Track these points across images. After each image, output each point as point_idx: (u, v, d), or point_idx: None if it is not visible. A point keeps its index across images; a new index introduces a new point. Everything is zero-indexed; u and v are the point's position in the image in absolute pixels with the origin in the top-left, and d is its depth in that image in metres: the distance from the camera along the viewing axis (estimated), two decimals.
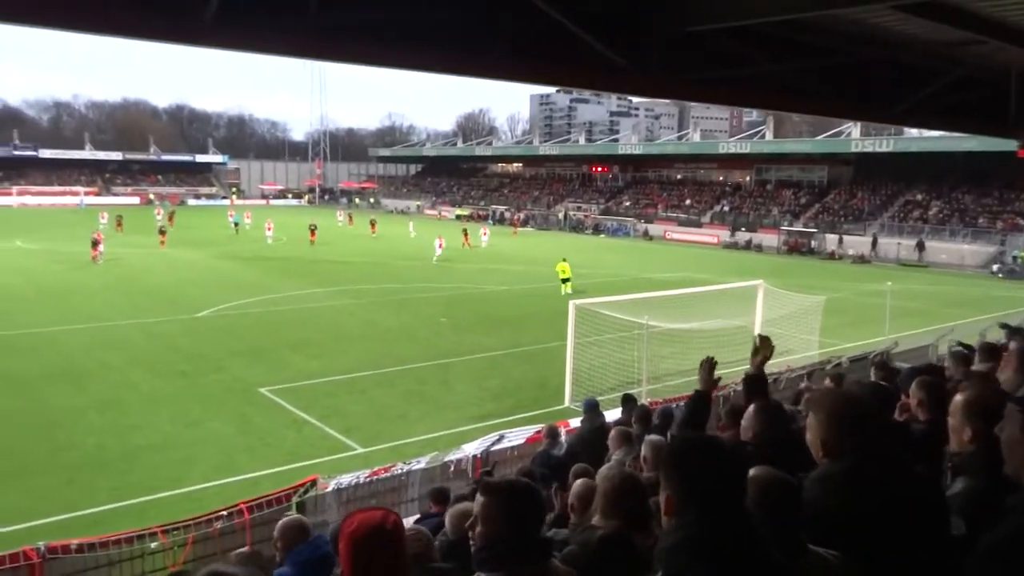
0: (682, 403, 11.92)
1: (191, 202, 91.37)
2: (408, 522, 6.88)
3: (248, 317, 24.95)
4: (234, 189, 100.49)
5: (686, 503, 2.17)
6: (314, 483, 9.06)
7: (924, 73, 8.91)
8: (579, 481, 4.91)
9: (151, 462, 12.63)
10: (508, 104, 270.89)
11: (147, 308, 25.77)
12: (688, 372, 17.14)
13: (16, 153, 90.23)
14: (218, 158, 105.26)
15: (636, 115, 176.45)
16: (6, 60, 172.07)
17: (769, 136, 64.52)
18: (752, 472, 2.63)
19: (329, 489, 9.09)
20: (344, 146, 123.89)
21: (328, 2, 5.32)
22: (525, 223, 68.58)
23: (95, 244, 37.51)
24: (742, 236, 57.07)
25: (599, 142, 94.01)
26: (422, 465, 9.92)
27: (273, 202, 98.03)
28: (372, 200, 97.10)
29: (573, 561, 3.12)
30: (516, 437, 11.01)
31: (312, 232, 49.68)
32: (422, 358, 19.70)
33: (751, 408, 4.85)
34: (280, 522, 5.04)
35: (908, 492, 2.65)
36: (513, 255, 45.54)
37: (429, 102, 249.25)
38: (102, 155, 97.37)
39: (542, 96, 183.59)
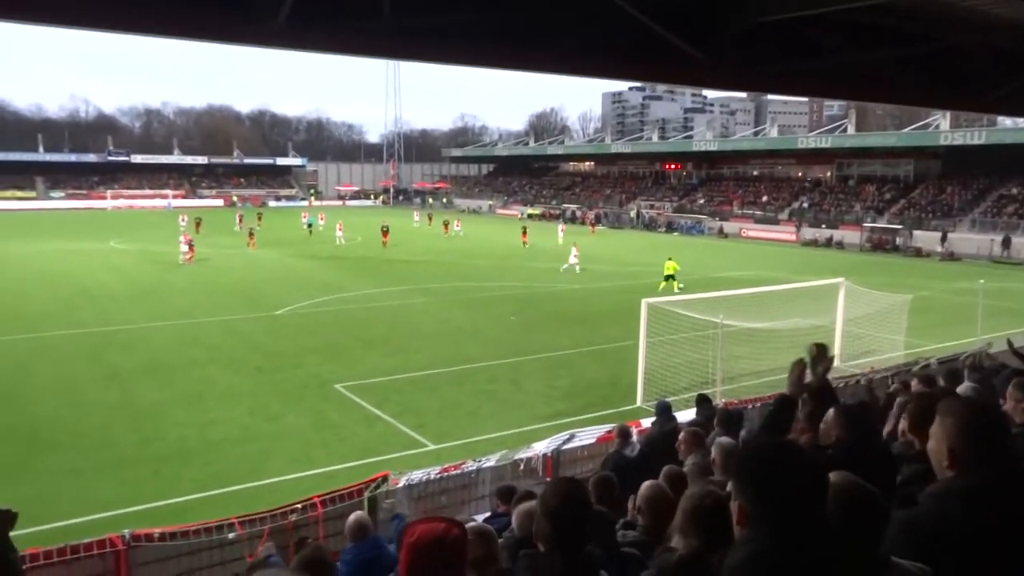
0: (757, 405, 11.61)
1: (271, 203, 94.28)
2: (478, 519, 6.89)
3: (324, 315, 25.54)
4: (312, 191, 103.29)
5: (759, 514, 2.04)
6: (385, 479, 9.16)
7: (1020, 58, 8.38)
8: (647, 484, 4.79)
9: (231, 454, 13.05)
10: (580, 103, 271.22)
11: (228, 306, 26.69)
12: (763, 373, 16.71)
13: (110, 159, 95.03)
14: (297, 161, 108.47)
15: (711, 111, 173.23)
16: (102, 71, 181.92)
17: (851, 130, 62.25)
18: (831, 478, 2.49)
19: (400, 485, 9.17)
20: (418, 147, 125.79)
21: (401, 5, 5.36)
22: (597, 221, 68.05)
23: (190, 246, 39.16)
24: (822, 233, 55.25)
25: (672, 139, 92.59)
26: (492, 463, 9.92)
27: (349, 203, 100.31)
28: (445, 200, 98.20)
29: None
30: (586, 436, 10.88)
31: (384, 233, 49.05)
32: (493, 356, 19.76)
33: (832, 411, 4.63)
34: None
35: None
36: (585, 255, 45.28)
37: (501, 102, 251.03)
38: (189, 159, 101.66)
39: (614, 94, 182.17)
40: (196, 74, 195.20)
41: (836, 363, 18.37)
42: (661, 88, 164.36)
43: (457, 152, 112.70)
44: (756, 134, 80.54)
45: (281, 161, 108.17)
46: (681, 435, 7.09)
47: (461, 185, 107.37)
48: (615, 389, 16.79)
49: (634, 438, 8.98)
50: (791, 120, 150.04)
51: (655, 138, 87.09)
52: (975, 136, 51.33)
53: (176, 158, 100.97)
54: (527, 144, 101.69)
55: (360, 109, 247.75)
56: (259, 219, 58.42)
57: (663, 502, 4.58)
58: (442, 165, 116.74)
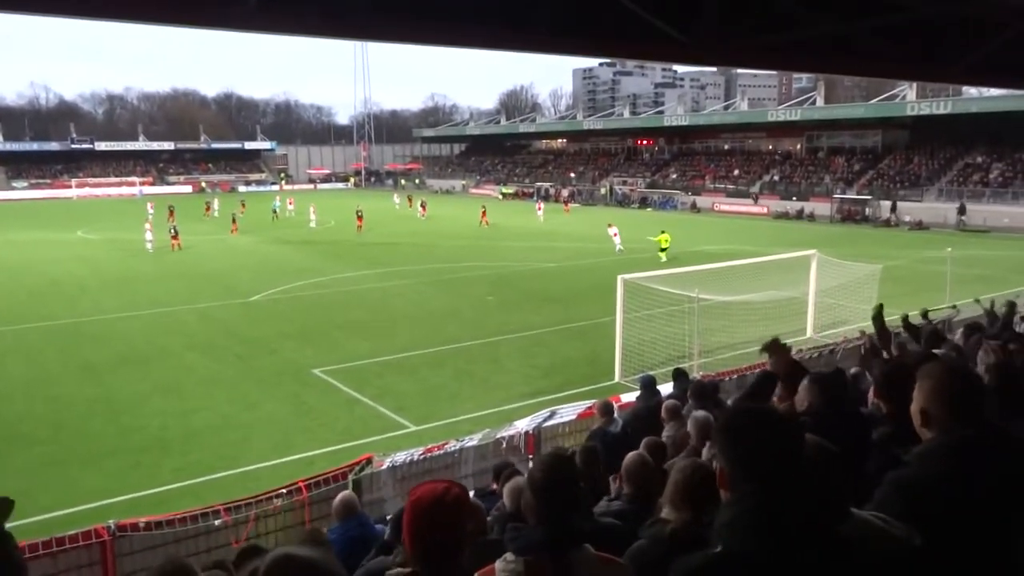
0: (734, 377, 11.80)
1: (241, 188, 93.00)
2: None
3: (299, 300, 25.40)
4: (282, 175, 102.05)
5: (742, 476, 2.12)
6: (369, 461, 9.20)
7: (987, 28, 8.49)
8: (630, 455, 4.88)
9: (211, 443, 13.00)
10: (551, 80, 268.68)
11: (202, 293, 26.42)
12: (739, 345, 16.96)
13: (74, 146, 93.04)
14: (266, 145, 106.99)
15: (681, 86, 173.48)
16: (61, 57, 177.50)
17: (820, 102, 62.72)
18: None
19: (384, 467, 9.22)
20: (388, 128, 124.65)
21: None
22: (571, 199, 68.10)
23: (175, 234, 38.74)
24: (793, 206, 55.80)
25: (644, 115, 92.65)
26: (475, 442, 10.00)
27: (321, 186, 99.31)
28: (417, 181, 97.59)
29: (642, 556, 3.13)
30: (567, 413, 11.00)
31: (359, 218, 47.75)
32: (471, 337, 19.81)
33: (806, 379, 4.77)
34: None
35: (1016, 472, 2.50)
36: (560, 232, 45.36)
37: (471, 81, 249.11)
38: (155, 145, 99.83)
39: (585, 70, 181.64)
40: (159, 58, 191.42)
41: (809, 333, 18.73)
42: (631, 64, 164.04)
43: (428, 132, 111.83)
44: (727, 108, 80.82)
45: (249, 145, 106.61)
46: (665, 405, 7.23)
47: (433, 165, 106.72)
48: (594, 366, 16.93)
49: (616, 414, 9.09)
50: (761, 93, 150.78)
51: (627, 114, 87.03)
52: (941, 106, 51.96)
53: (142, 144, 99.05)
54: (499, 123, 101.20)
55: (329, 90, 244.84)
56: (242, 206, 57.11)
57: (645, 469, 4.70)
58: (414, 146, 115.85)
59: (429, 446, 10.02)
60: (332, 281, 28.84)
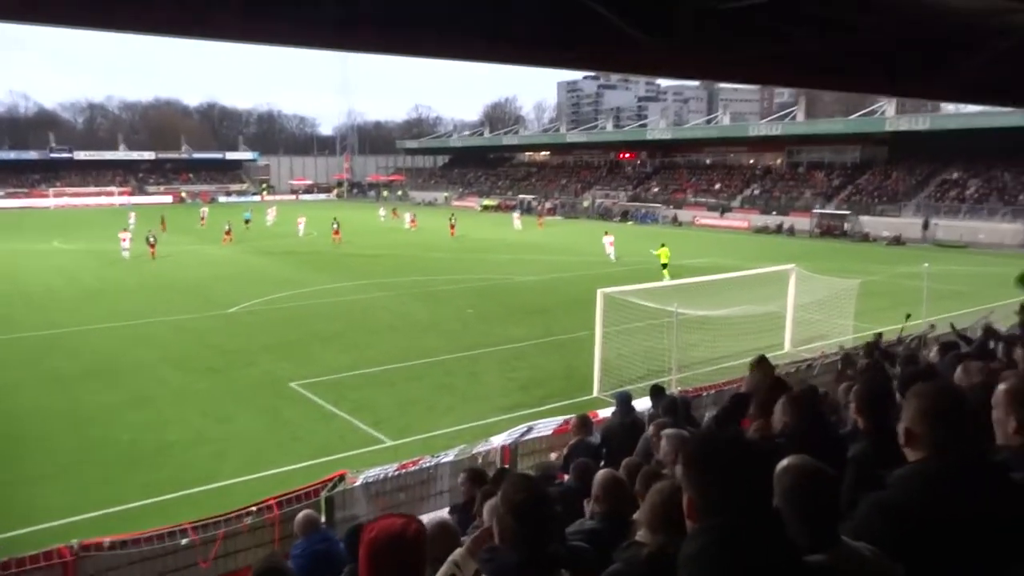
0: (711, 392, 11.76)
1: (222, 199, 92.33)
2: (442, 514, 6.81)
3: (278, 312, 25.15)
4: (264, 185, 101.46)
5: (708, 507, 2.04)
6: (342, 478, 9.04)
7: (963, 46, 8.55)
8: (601, 472, 4.79)
9: (183, 458, 12.76)
10: (534, 92, 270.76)
11: (179, 305, 26.09)
12: (718, 360, 16.97)
13: (52, 155, 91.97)
14: (248, 155, 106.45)
15: (664, 100, 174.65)
16: (40, 64, 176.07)
17: (801, 117, 63.40)
18: (786, 461, 2.52)
19: (357, 484, 9.07)
20: (372, 139, 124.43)
21: None
22: (552, 212, 68.25)
23: (152, 244, 38.59)
24: (773, 220, 56.23)
25: (627, 128, 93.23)
26: (450, 458, 9.87)
27: (303, 197, 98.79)
28: (400, 193, 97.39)
29: None
30: (544, 428, 10.92)
31: (336, 231, 46.84)
32: (450, 350, 19.68)
33: (782, 398, 4.69)
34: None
35: (998, 500, 2.42)
36: (542, 244, 45.39)
37: (455, 93, 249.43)
38: (135, 155, 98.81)
39: (569, 83, 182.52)
40: (141, 67, 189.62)
41: (787, 347, 18.76)
42: (615, 77, 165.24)
43: (412, 144, 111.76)
44: (709, 122, 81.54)
45: (231, 155, 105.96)
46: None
47: (416, 177, 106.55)
48: (572, 380, 16.85)
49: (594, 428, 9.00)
50: (742, 107, 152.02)
51: (610, 127, 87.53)
52: (919, 122, 52.69)
53: (122, 154, 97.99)
54: (482, 135, 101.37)
55: (312, 101, 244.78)
56: (247, 223, 56.31)
57: (618, 488, 4.60)
58: (397, 157, 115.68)
59: (404, 462, 9.87)
60: (312, 293, 28.60)
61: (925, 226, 46.96)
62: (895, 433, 2.72)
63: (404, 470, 9.53)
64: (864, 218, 51.64)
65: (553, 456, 9.44)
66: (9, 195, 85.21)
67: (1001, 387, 3.04)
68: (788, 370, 12.25)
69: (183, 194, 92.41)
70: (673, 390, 11.33)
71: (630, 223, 63.66)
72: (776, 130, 63.01)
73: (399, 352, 19.45)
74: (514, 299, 27.41)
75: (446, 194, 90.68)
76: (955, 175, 53.13)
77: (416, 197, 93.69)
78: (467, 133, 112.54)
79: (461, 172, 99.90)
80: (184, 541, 7.82)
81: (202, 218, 58.55)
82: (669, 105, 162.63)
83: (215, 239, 46.83)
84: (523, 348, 19.94)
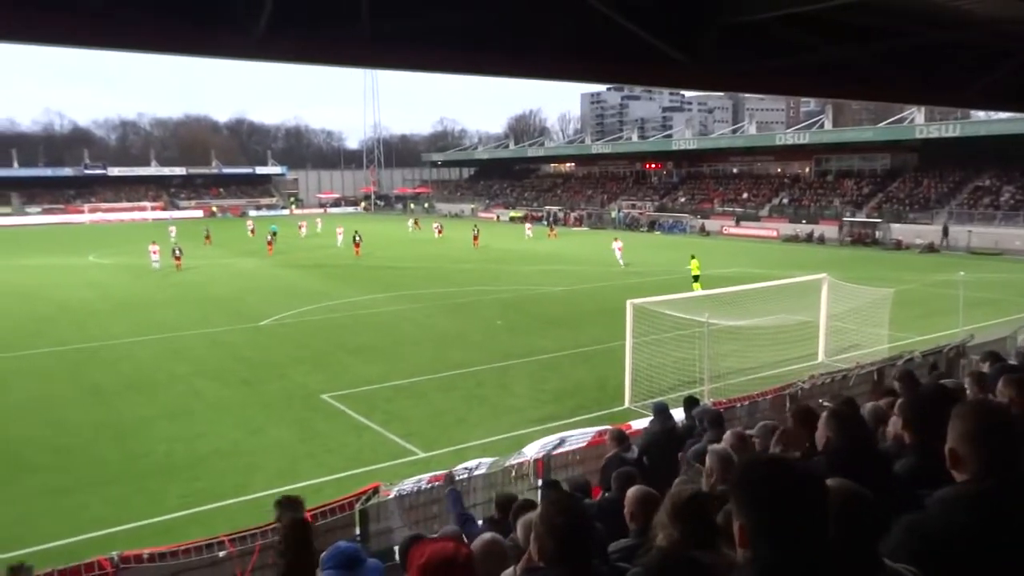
0: (745, 403, 11.64)
1: (252, 213, 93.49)
2: (484, 535, 6.78)
3: (309, 324, 25.39)
4: (292, 199, 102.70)
5: (759, 534, 1.97)
6: (376, 490, 9.08)
7: (995, 54, 8.46)
8: (634, 488, 4.76)
9: (217, 469, 12.92)
10: (559, 104, 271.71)
11: (212, 318, 26.46)
12: (749, 371, 16.81)
13: (87, 172, 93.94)
14: (277, 169, 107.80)
15: (689, 110, 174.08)
16: (75, 83, 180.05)
17: (828, 125, 62.76)
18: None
19: (391, 496, 9.10)
20: (398, 152, 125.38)
21: (378, 11, 5.33)
22: (580, 222, 68.24)
23: (178, 256, 40.33)
24: (803, 229, 55.64)
25: (652, 139, 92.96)
26: (483, 470, 9.86)
27: (331, 210, 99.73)
28: (427, 205, 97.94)
29: None
30: (577, 440, 10.85)
31: (356, 244, 47.12)
32: (480, 361, 19.71)
33: (824, 414, 4.63)
34: None
35: None
36: (569, 255, 45.34)
37: (480, 106, 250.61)
38: (167, 171, 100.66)
39: (592, 95, 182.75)
40: (172, 84, 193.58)
41: (821, 358, 18.53)
42: (639, 88, 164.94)
43: (437, 156, 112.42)
44: (735, 132, 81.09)
45: (260, 170, 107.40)
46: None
47: (442, 189, 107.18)
48: (603, 391, 16.79)
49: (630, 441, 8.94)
50: (769, 116, 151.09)
51: (635, 138, 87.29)
52: (949, 129, 51.88)
53: (154, 170, 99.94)
54: (507, 147, 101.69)
55: (339, 115, 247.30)
56: (273, 235, 57.66)
57: (652, 504, 4.56)
58: (423, 170, 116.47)
59: (437, 474, 9.89)
60: (342, 305, 28.83)
61: (945, 232, 46.24)
62: (942, 449, 2.65)
63: (437, 482, 9.54)
64: (895, 226, 50.93)
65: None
66: (46, 211, 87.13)
67: None
68: (823, 380, 12.11)
69: (214, 208, 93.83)
70: (707, 401, 11.23)
71: (657, 233, 63.38)
72: (804, 139, 62.42)
73: (429, 364, 19.53)
74: (540, 309, 27.40)
75: (472, 206, 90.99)
76: (987, 182, 52.21)
77: (442, 209, 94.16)
78: (492, 145, 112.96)
79: (487, 184, 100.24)
80: (222, 553, 7.90)
81: (251, 230, 61.19)
82: (694, 115, 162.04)
83: (260, 251, 48.66)
84: (553, 359, 19.91)
